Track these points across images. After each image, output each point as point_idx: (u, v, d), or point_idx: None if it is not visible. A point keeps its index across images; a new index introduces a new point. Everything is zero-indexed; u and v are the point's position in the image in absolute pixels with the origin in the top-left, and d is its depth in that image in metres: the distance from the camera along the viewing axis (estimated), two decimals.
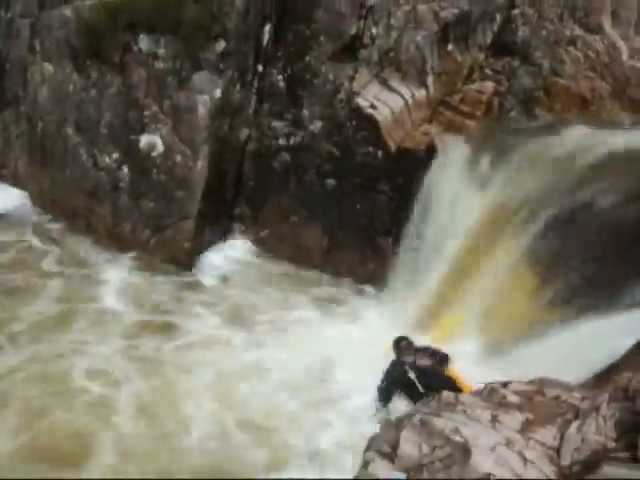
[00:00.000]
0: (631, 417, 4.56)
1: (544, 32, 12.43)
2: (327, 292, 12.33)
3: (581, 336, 9.65)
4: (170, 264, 12.69)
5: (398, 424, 5.53)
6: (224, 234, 13.43)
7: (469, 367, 9.48)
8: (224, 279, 12.63)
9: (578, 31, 12.42)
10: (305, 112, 12.71)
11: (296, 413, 9.27)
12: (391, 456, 5.16)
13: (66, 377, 9.56)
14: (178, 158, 12.52)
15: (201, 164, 12.44)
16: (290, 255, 13.04)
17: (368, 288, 12.32)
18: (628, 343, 8.32)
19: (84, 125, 13.29)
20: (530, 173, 10.67)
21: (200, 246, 12.91)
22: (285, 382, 9.80)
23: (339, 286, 12.49)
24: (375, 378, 9.10)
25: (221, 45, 12.30)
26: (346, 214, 12.56)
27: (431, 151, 11.78)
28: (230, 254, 13.18)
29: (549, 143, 11.00)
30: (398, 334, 9.68)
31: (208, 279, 12.53)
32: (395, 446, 5.17)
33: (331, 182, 12.61)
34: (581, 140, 10.82)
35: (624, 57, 12.26)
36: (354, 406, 9.29)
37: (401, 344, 9.26)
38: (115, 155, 13.00)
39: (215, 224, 13.15)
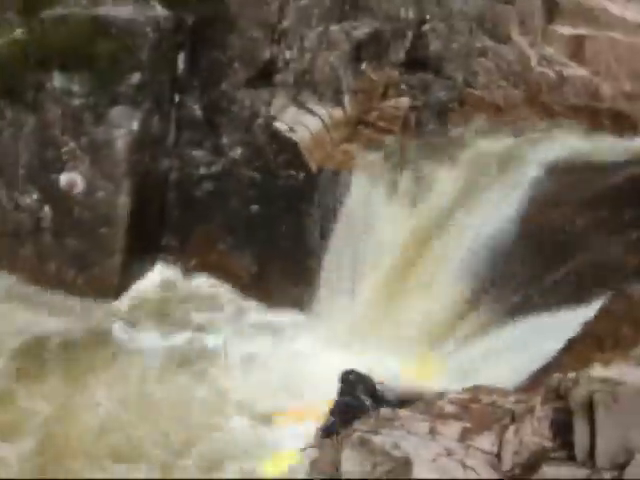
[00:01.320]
0: (564, 417, 4.62)
1: (455, 45, 12.65)
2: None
3: (511, 339, 9.78)
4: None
5: (338, 444, 5.51)
6: (152, 266, 13.27)
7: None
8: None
9: (488, 42, 12.69)
10: (224, 139, 12.67)
11: None
12: (334, 476, 5.16)
13: None
14: (100, 194, 12.37)
15: (124, 199, 12.31)
16: (220, 281, 12.97)
17: (297, 312, 12.27)
18: (558, 345, 8.48)
19: (1, 166, 12.98)
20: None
21: (127, 280, 12.75)
22: None
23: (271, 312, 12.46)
24: None
25: (136, 77, 12.22)
26: (273, 238, 12.52)
27: (352, 170, 11.83)
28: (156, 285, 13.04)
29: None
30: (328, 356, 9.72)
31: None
32: (337, 466, 5.17)
33: (255, 207, 12.57)
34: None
35: (533, 64, 12.54)
36: None
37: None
38: (35, 195, 12.74)
39: (142, 257, 13.00)
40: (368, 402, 8.75)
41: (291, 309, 12.29)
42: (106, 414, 10.11)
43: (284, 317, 12.23)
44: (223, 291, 12.84)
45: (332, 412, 8.74)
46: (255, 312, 12.41)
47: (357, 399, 8.84)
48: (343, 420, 8.38)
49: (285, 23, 12.45)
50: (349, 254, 11.50)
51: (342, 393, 9.00)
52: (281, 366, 10.85)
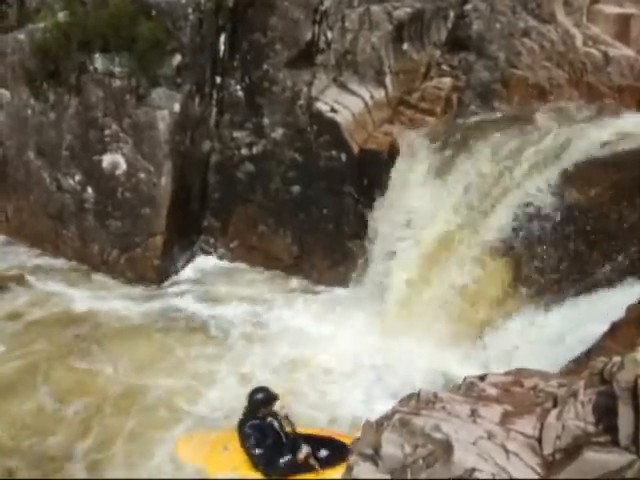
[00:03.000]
0: (608, 401, 4.55)
1: (498, 25, 12.51)
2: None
3: (554, 322, 9.70)
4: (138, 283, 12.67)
5: (378, 426, 5.49)
6: (193, 248, 13.37)
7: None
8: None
9: (532, 22, 12.52)
10: (266, 120, 12.66)
11: None
12: (374, 458, 5.12)
13: None
14: (142, 175, 12.44)
15: (165, 180, 12.36)
16: (261, 263, 13.04)
17: (340, 291, 12.29)
18: (603, 328, 8.37)
19: (45, 149, 13.16)
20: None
21: (170, 261, 12.84)
22: None
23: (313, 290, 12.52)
24: None
25: (177, 59, 12.25)
26: (314, 219, 12.52)
27: (394, 151, 11.77)
28: (200, 266, 13.13)
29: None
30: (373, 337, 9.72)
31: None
32: (377, 448, 5.14)
33: (296, 188, 12.57)
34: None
35: (579, 44, 12.35)
36: None
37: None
38: (78, 177, 12.89)
39: (184, 238, 13.08)
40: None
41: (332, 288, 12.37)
42: None
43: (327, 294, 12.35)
44: (266, 272, 12.89)
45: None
46: (298, 290, 12.49)
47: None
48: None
49: (326, 3, 12.37)
50: (389, 234, 11.44)
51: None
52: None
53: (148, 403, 9.67)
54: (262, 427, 8.05)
